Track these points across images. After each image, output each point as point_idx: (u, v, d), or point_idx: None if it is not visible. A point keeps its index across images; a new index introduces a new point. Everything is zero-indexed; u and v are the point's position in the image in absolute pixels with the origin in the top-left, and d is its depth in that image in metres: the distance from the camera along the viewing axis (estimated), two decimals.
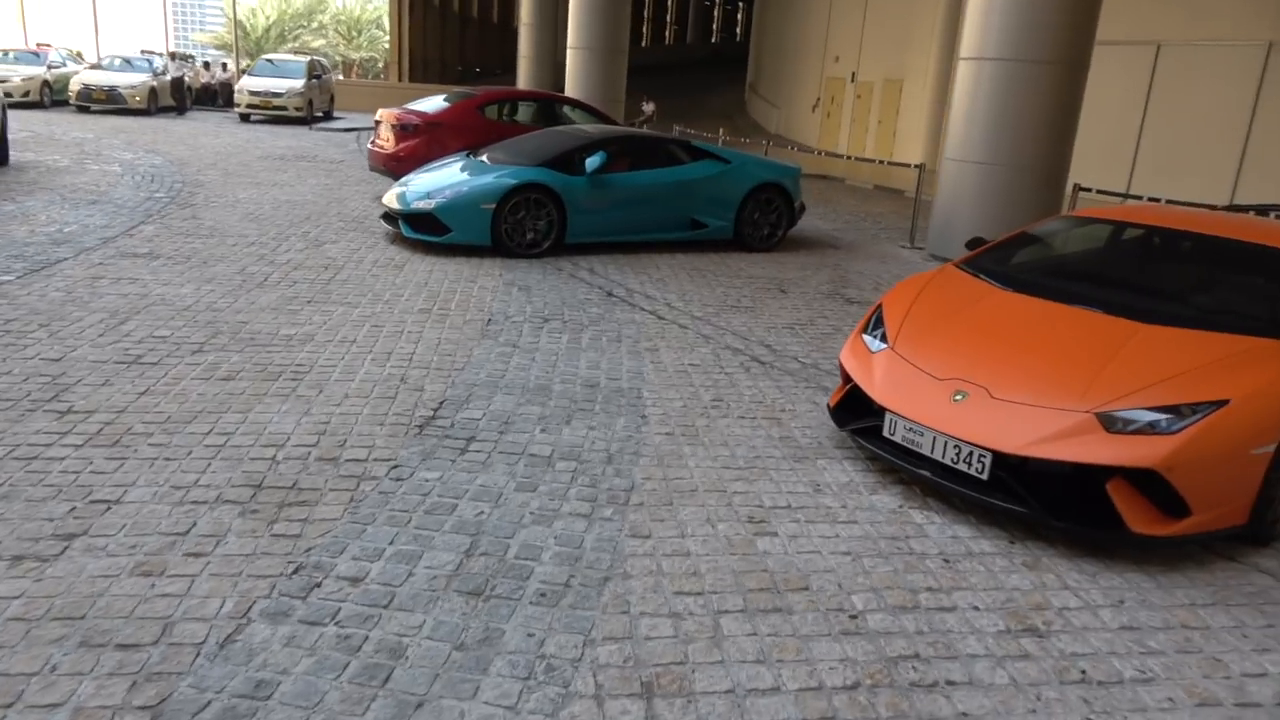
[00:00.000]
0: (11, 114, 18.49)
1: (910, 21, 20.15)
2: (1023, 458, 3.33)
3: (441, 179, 8.13)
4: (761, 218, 9.07)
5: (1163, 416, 3.25)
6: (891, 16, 21.41)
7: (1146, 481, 3.21)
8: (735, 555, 3.17)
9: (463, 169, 8.31)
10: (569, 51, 18.52)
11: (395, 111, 10.45)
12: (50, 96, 20.81)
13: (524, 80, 27.13)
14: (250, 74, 23.12)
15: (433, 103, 11.25)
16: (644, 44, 55.18)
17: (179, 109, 22.23)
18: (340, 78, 48.75)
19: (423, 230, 7.87)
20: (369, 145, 10.76)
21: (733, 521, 3.42)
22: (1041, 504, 3.31)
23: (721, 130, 20.63)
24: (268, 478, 3.51)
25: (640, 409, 4.53)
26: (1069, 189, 8.97)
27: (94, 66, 22.50)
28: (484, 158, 8.57)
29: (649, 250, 8.64)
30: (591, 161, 8.08)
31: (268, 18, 57.06)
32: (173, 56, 26.61)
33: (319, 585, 2.82)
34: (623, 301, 6.70)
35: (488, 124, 10.35)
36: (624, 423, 4.34)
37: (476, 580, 2.90)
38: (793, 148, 18.21)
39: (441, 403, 4.42)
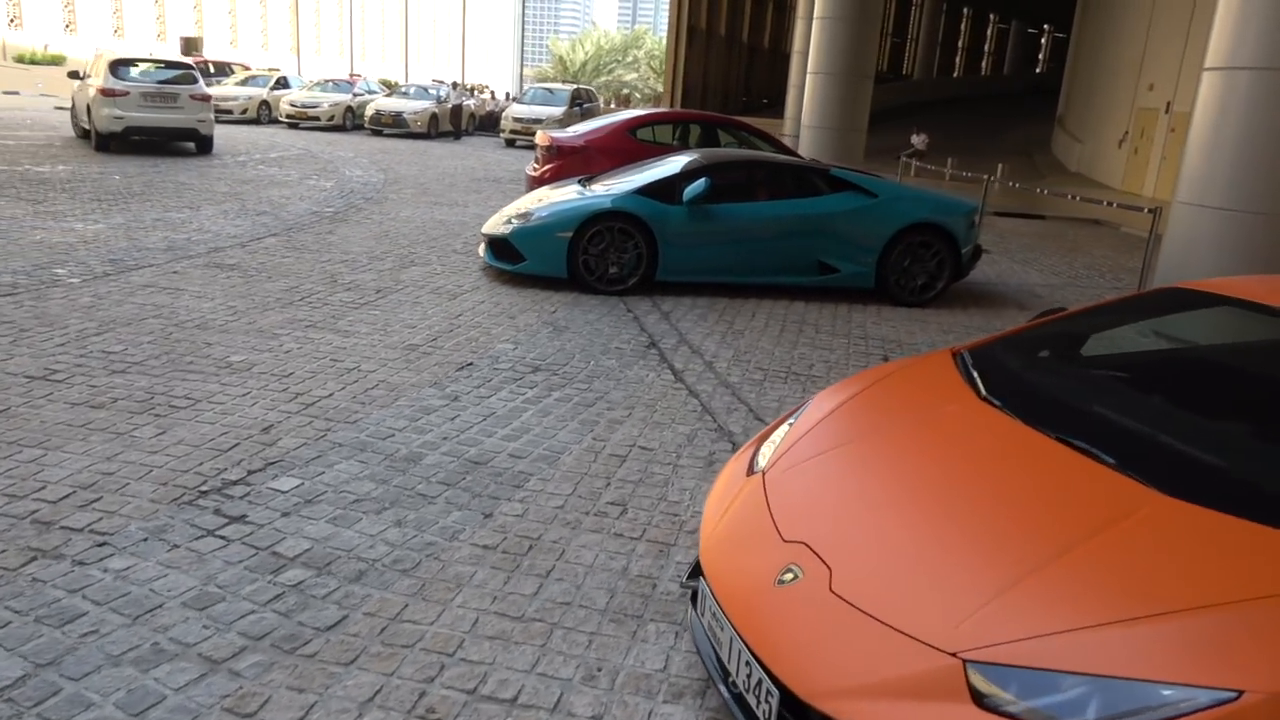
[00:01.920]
0: (314, 135, 20.96)
1: None
2: (820, 713, 1.87)
3: (530, 203, 7.46)
4: (915, 265, 7.38)
5: (1093, 699, 1.65)
6: None
7: None
8: None
9: (559, 194, 7.58)
10: (808, 76, 17.31)
11: (547, 134, 10.01)
12: (351, 120, 23.31)
13: (790, 108, 26.12)
14: (520, 101, 24.37)
15: (605, 123, 10.68)
16: (955, 74, 51.80)
17: (455, 134, 23.89)
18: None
19: (502, 257, 7.24)
20: (527, 170, 10.41)
21: (400, 712, 2.29)
22: None
23: (1001, 166, 18.26)
24: None
25: (499, 504, 3.46)
26: None
27: (389, 94, 24.90)
28: (591, 183, 7.78)
29: (766, 294, 7.33)
30: (690, 189, 6.98)
31: (586, 53, 61.01)
32: (454, 85, 28.88)
33: None
34: (658, 356, 5.56)
35: (638, 147, 9.55)
36: (451, 520, 3.29)
37: None
38: (1014, 184, 15.51)
39: (270, 463, 3.66)
